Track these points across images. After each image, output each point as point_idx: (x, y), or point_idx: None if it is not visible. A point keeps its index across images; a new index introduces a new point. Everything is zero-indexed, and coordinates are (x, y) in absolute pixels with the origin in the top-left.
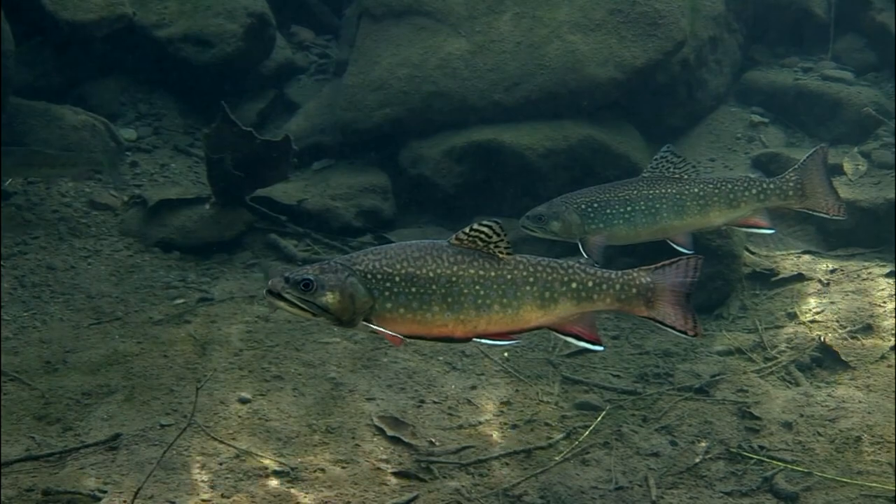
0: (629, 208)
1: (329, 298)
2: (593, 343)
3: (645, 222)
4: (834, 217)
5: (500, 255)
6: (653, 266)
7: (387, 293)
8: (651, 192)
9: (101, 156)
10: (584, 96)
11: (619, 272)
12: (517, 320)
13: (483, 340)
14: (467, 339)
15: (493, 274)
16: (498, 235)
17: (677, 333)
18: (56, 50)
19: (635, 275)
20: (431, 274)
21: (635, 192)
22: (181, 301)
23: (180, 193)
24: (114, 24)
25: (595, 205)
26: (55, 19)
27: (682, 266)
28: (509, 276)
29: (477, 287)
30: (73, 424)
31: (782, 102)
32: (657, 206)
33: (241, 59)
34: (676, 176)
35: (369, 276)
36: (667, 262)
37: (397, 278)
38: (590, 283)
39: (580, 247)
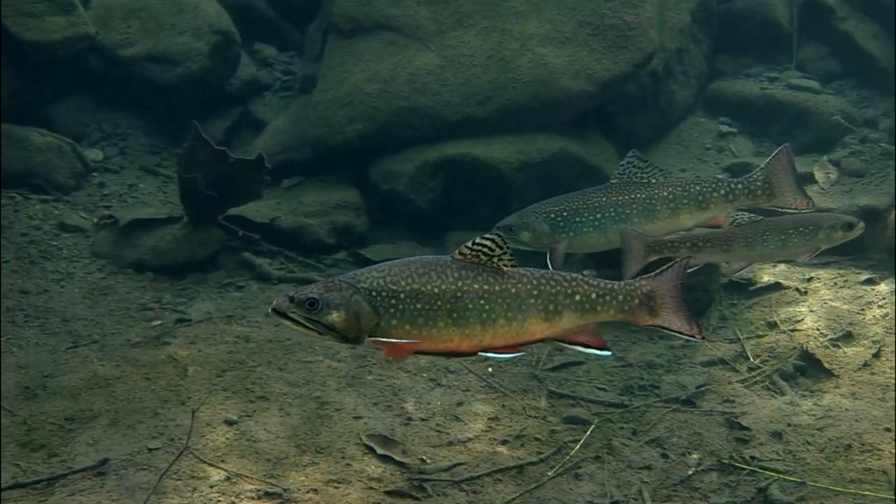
0: (599, 216)
1: (335, 317)
2: (601, 349)
3: (615, 228)
4: (803, 212)
5: (504, 269)
6: (651, 274)
7: (392, 310)
8: (620, 198)
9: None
10: (556, 109)
11: (622, 283)
12: (522, 333)
13: (489, 354)
14: (473, 353)
15: (497, 288)
16: (501, 248)
17: (685, 338)
18: (19, 71)
19: (637, 284)
20: (436, 290)
21: (604, 199)
22: (158, 322)
23: (151, 213)
24: (77, 44)
25: (565, 213)
26: (18, 40)
27: (676, 270)
28: (513, 290)
29: (482, 302)
30: (58, 450)
31: (749, 112)
32: (627, 211)
33: (207, 78)
34: (644, 181)
35: (374, 293)
36: (663, 268)
37: (402, 295)
38: (594, 295)
39: (548, 256)
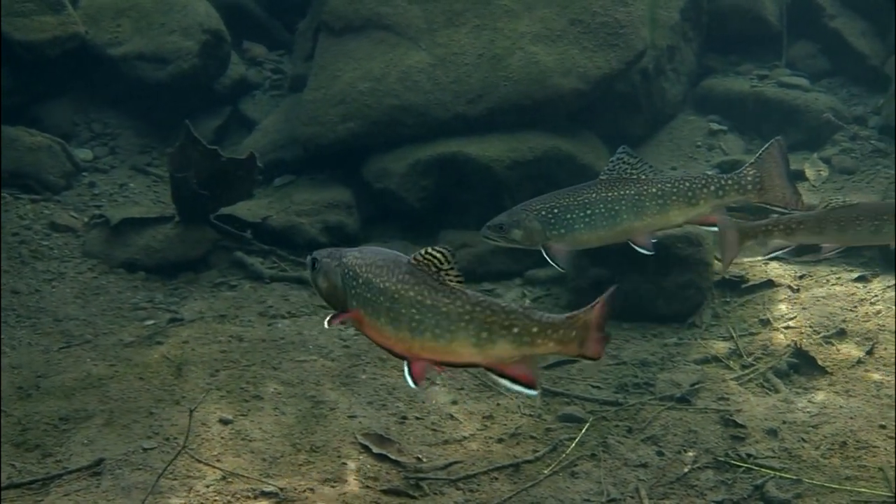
0: (589, 212)
1: (321, 282)
2: (528, 387)
3: (605, 225)
4: (793, 210)
5: (449, 285)
6: (586, 307)
7: (352, 291)
8: (610, 194)
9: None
10: (547, 107)
11: (563, 317)
12: (449, 353)
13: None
14: (405, 359)
15: (428, 302)
16: (448, 263)
17: (586, 361)
18: (8, 71)
19: (577, 318)
20: (382, 286)
21: (594, 195)
22: (151, 322)
23: (143, 213)
24: (66, 44)
25: (555, 210)
26: (8, 40)
27: (604, 304)
28: (444, 309)
29: (413, 310)
30: (52, 450)
31: (739, 110)
32: (617, 207)
33: (197, 77)
34: (634, 177)
35: (346, 270)
36: (594, 303)
37: (360, 280)
38: (534, 329)
39: (543, 254)
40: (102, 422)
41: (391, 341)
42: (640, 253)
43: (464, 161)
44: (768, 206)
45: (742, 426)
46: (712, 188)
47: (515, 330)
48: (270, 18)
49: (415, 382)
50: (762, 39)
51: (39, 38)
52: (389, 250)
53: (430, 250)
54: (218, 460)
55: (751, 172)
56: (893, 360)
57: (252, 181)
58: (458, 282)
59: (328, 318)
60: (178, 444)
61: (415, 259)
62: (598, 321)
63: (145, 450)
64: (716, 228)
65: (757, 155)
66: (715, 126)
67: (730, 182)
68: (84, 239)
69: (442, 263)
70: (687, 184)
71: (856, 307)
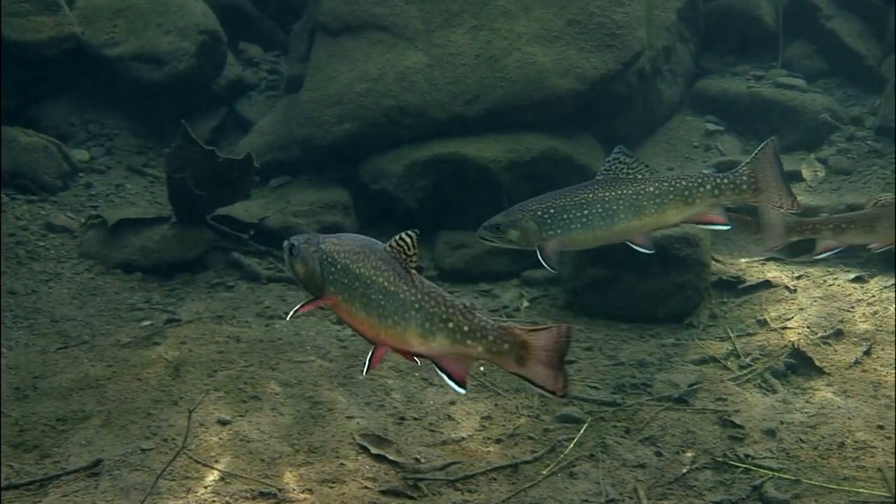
0: (586, 212)
1: (298, 267)
2: (458, 384)
3: (602, 225)
4: (788, 211)
5: (410, 272)
6: (528, 327)
7: (330, 277)
8: (607, 194)
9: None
10: (545, 108)
11: (496, 324)
12: (403, 341)
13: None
14: (375, 345)
15: (392, 289)
16: (412, 250)
17: (544, 392)
18: (5, 71)
19: (512, 330)
20: (357, 271)
21: (591, 195)
22: (148, 323)
23: (139, 213)
24: (63, 44)
25: (552, 210)
26: (4, 41)
27: (554, 332)
28: (401, 296)
29: (380, 296)
30: (50, 451)
31: (736, 110)
32: (614, 207)
33: (194, 77)
34: (630, 176)
35: (324, 255)
36: (542, 326)
37: (338, 265)
38: (465, 328)
39: (538, 254)
40: (100, 422)
41: (363, 327)
42: (637, 253)
43: (461, 162)
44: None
45: (740, 427)
46: (708, 187)
47: (451, 325)
48: (266, 19)
49: (368, 368)
50: (758, 40)
51: (36, 39)
52: (366, 237)
53: (402, 236)
54: (216, 461)
55: (746, 172)
56: (892, 360)
57: (249, 182)
58: (417, 269)
59: (298, 307)
60: (176, 445)
61: (389, 245)
62: (544, 347)
63: (143, 450)
64: (717, 227)
65: (752, 155)
66: (712, 127)
67: (726, 181)
68: (81, 240)
69: (408, 251)
70: (683, 183)
71: (853, 308)
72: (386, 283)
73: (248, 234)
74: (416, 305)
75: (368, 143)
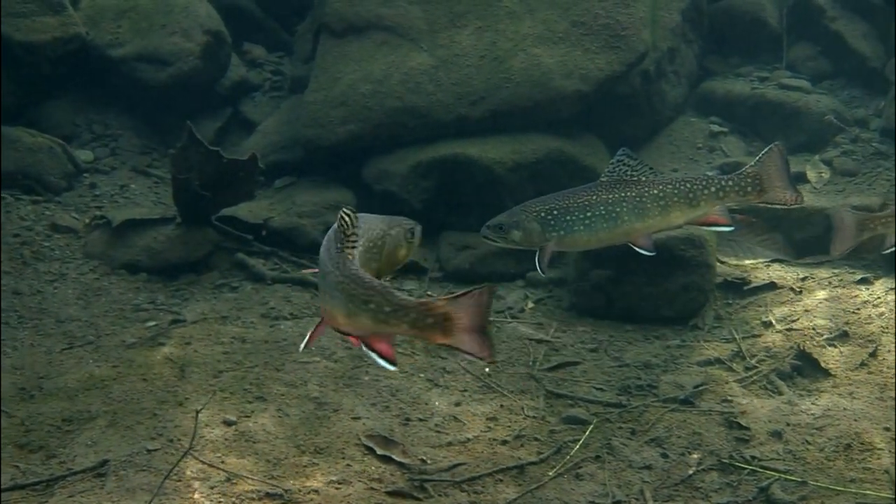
0: (589, 213)
1: None
2: (388, 362)
3: (606, 227)
4: (793, 206)
5: (342, 252)
6: (450, 295)
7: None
8: (610, 196)
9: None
10: (550, 109)
11: (417, 301)
12: (334, 319)
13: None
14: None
15: (325, 268)
16: (351, 230)
17: (473, 358)
18: (8, 71)
19: (433, 305)
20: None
21: (594, 197)
22: (153, 323)
23: (144, 214)
24: (67, 45)
25: (555, 212)
26: (8, 41)
27: (475, 296)
28: (330, 275)
29: (321, 276)
30: (56, 452)
31: (740, 112)
32: (617, 209)
33: (198, 78)
34: (635, 178)
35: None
36: (461, 292)
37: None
38: (387, 309)
39: (537, 255)
40: (106, 423)
41: (323, 309)
42: (641, 255)
43: (466, 163)
44: (768, 205)
45: (746, 428)
46: (713, 189)
47: (372, 306)
48: (269, 20)
49: (306, 344)
50: (762, 41)
51: (40, 39)
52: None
53: (341, 214)
54: (222, 461)
55: (751, 174)
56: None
57: (254, 182)
58: (350, 248)
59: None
60: (182, 446)
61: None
62: (466, 314)
63: (149, 451)
64: (721, 228)
65: (757, 157)
66: (716, 128)
67: (730, 183)
68: (85, 240)
69: (346, 229)
70: (687, 185)
71: (858, 309)
72: (322, 264)
73: (262, 234)
74: (340, 287)
75: (373, 143)
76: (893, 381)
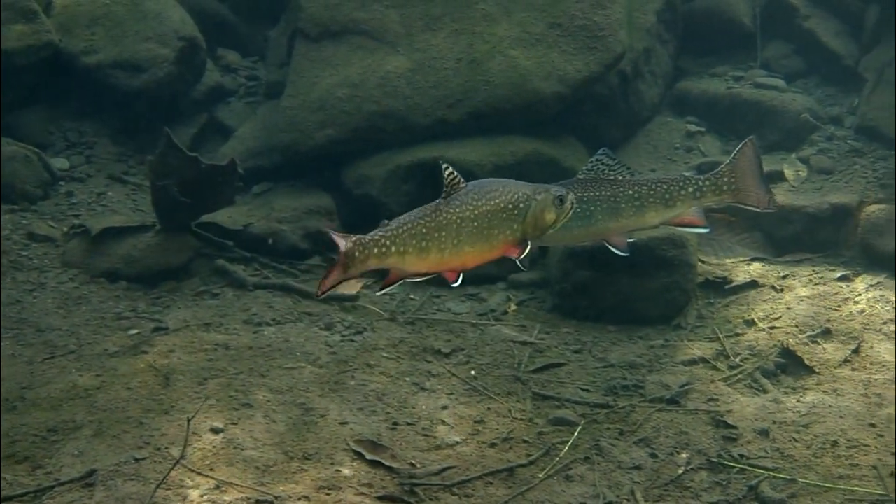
0: None
1: None
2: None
3: (580, 224)
4: (765, 210)
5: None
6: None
7: None
8: (585, 194)
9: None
10: (528, 111)
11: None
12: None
13: None
14: None
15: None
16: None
17: None
18: None
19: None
20: None
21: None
22: (135, 331)
23: (123, 222)
24: (40, 52)
25: None
26: None
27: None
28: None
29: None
30: (42, 462)
31: (716, 111)
32: (592, 208)
33: (174, 84)
34: (611, 178)
35: None
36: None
37: None
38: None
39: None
40: (92, 433)
41: None
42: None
43: None
44: (742, 207)
45: (733, 427)
46: (690, 189)
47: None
48: (243, 25)
49: None
50: (736, 41)
51: (12, 47)
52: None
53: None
54: (211, 469)
55: (726, 173)
56: (881, 358)
57: (233, 188)
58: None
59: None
60: (170, 454)
61: None
62: None
63: (137, 460)
64: (696, 230)
65: (731, 156)
66: (693, 128)
67: (707, 183)
68: (64, 249)
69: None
70: (664, 185)
71: (840, 306)
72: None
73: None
74: None
75: (351, 148)
76: (877, 376)
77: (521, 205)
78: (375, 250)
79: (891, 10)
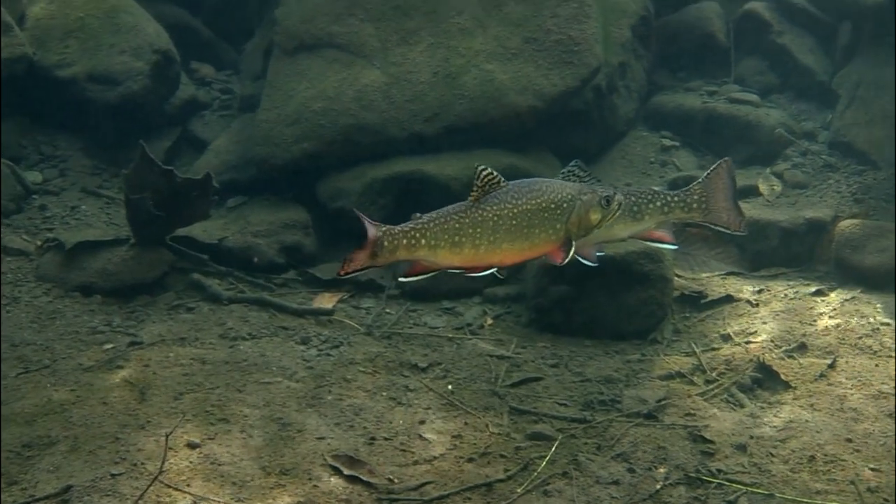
0: None
1: None
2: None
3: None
4: (735, 233)
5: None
6: None
7: None
8: None
9: None
10: (504, 125)
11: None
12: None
13: None
14: None
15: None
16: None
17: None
18: None
19: None
20: None
21: None
22: (110, 346)
23: (97, 235)
24: (13, 66)
25: None
26: None
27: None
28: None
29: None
30: (17, 478)
31: (691, 126)
32: None
33: (148, 97)
34: None
35: None
36: None
37: None
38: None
39: None
40: (67, 448)
41: None
42: (600, 269)
43: (421, 179)
44: (711, 227)
45: (711, 442)
46: (658, 204)
47: None
48: (217, 38)
49: None
50: (710, 56)
51: None
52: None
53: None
54: (188, 485)
55: (697, 191)
56: (856, 373)
57: (208, 202)
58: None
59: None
60: (147, 470)
61: None
62: None
63: (113, 476)
64: (664, 246)
65: (705, 174)
66: (667, 142)
67: (675, 199)
68: (37, 263)
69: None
70: (633, 199)
71: (815, 321)
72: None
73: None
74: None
75: (327, 162)
76: (853, 392)
77: (565, 204)
78: (405, 241)
79: (863, 27)
